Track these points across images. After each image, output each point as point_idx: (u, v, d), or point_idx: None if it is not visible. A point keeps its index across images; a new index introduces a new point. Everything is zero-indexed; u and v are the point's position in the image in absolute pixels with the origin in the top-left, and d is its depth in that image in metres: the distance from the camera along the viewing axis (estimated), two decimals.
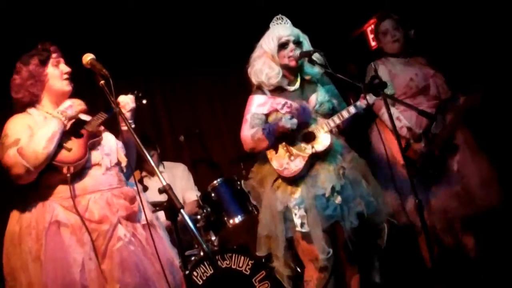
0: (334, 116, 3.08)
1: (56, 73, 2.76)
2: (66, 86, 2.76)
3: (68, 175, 2.55)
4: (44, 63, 2.75)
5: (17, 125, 2.67)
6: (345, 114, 3.06)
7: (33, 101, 2.76)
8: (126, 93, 2.85)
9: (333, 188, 3.01)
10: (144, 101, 2.94)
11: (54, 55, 2.77)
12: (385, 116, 3.62)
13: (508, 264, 3.56)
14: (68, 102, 2.70)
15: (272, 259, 3.12)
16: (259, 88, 3.22)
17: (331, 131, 3.07)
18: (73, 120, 2.72)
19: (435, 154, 3.57)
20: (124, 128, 2.75)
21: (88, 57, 2.60)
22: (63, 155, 2.59)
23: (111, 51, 4.04)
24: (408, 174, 2.85)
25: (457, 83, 3.79)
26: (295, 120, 3.00)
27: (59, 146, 2.59)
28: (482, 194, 3.49)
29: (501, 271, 3.53)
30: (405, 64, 3.79)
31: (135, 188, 2.76)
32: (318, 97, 3.16)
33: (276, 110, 3.13)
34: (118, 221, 2.59)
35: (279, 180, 3.09)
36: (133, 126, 2.75)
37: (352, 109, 3.05)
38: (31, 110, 2.75)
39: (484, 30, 4.01)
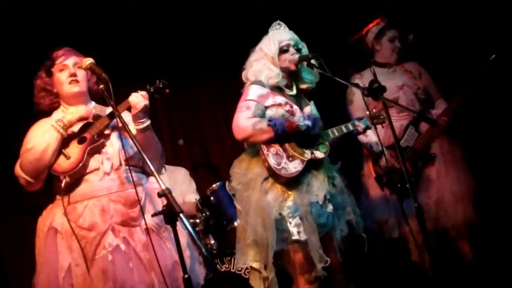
0: (333, 128, 3.13)
1: (62, 78, 2.79)
2: (73, 88, 2.79)
3: (62, 184, 2.60)
4: (49, 73, 2.83)
5: (34, 133, 2.77)
6: (344, 128, 3.13)
7: (55, 107, 2.85)
8: (141, 89, 2.81)
9: (324, 196, 3.02)
10: (167, 91, 2.86)
11: (58, 60, 2.80)
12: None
13: (506, 268, 3.56)
14: (71, 109, 2.73)
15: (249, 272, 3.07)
16: (259, 81, 3.14)
17: (329, 141, 3.10)
18: (80, 124, 2.73)
19: (402, 168, 3.56)
20: (137, 127, 2.73)
21: (87, 62, 2.62)
22: (61, 163, 2.65)
23: (111, 55, 4.05)
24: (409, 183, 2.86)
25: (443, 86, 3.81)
26: (308, 122, 3.00)
27: (60, 153, 2.62)
28: (453, 209, 3.51)
29: (499, 275, 3.53)
30: (384, 76, 3.76)
31: (148, 186, 2.77)
32: (312, 110, 3.17)
33: (279, 105, 3.08)
34: (109, 228, 2.61)
35: (270, 180, 3.01)
36: (148, 122, 2.75)
37: (350, 126, 3.15)
38: (55, 113, 2.83)
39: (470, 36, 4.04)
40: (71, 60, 2.80)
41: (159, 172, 2.91)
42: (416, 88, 3.74)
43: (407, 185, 3.30)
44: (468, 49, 4.04)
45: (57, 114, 2.81)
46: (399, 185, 3.53)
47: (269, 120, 2.96)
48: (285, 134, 2.97)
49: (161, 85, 2.83)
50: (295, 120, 2.97)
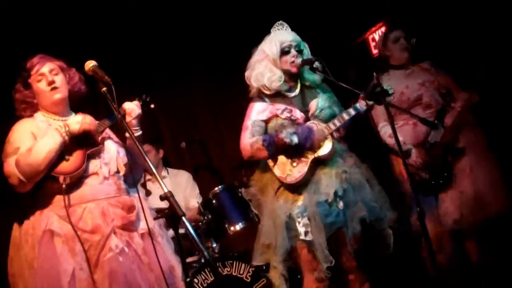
0: (334, 119, 3.06)
1: (41, 88, 2.74)
2: (55, 96, 2.74)
3: (64, 185, 2.57)
4: (26, 85, 2.77)
5: (20, 131, 2.69)
6: (345, 116, 3.04)
7: (36, 111, 2.80)
8: (132, 99, 2.86)
9: (335, 193, 2.97)
10: (152, 106, 2.93)
11: (34, 70, 2.75)
12: (382, 132, 3.71)
13: (509, 269, 3.54)
14: (77, 118, 2.68)
15: (269, 269, 3.07)
16: (259, 96, 3.20)
17: (332, 135, 3.05)
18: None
19: (435, 164, 3.57)
20: (128, 135, 2.76)
21: (90, 64, 2.60)
22: (61, 165, 2.60)
23: (112, 57, 4.05)
24: (411, 186, 2.85)
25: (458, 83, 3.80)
26: (295, 138, 2.96)
27: (58, 156, 2.60)
28: (491, 199, 3.48)
29: (502, 276, 3.52)
30: (403, 76, 3.79)
31: (136, 195, 2.75)
32: (319, 103, 3.13)
33: (276, 116, 3.10)
34: (112, 231, 2.59)
35: (282, 188, 3.06)
36: (139, 133, 2.80)
37: (351, 111, 3.04)
38: (37, 114, 2.78)
39: (482, 33, 4.02)
40: (46, 68, 2.75)
41: (138, 183, 2.93)
42: (437, 83, 3.74)
43: (440, 181, 3.51)
44: (471, 48, 4.03)
45: (39, 116, 2.78)
46: (433, 182, 3.53)
47: (263, 140, 3.02)
48: (280, 149, 3.01)
49: (147, 100, 2.93)
50: (283, 136, 2.96)
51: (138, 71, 4.63)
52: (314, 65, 3.07)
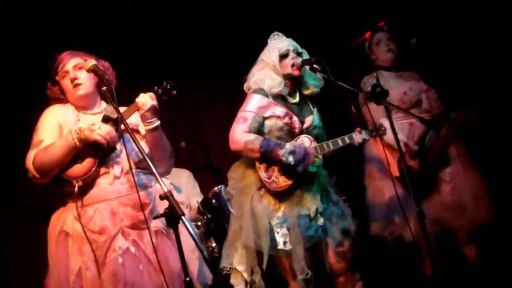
0: (328, 141, 3.09)
1: (67, 86, 2.81)
2: (78, 92, 2.80)
3: (75, 189, 2.62)
4: (54, 82, 2.86)
5: (48, 121, 2.77)
6: (340, 142, 3.08)
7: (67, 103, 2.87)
8: (148, 90, 2.80)
9: (317, 210, 3.04)
10: (174, 92, 2.84)
11: (59, 68, 2.81)
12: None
13: (509, 273, 3.55)
14: (95, 126, 2.65)
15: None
16: (261, 89, 3.16)
17: (322, 155, 3.08)
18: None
19: (428, 169, 3.57)
20: (146, 127, 2.76)
21: (90, 63, 2.63)
22: (73, 168, 2.66)
23: (114, 55, 4.03)
24: (409, 186, 2.84)
25: (451, 97, 3.80)
26: (291, 158, 2.96)
27: (72, 159, 2.65)
28: (474, 208, 3.49)
29: (502, 281, 3.52)
30: (397, 78, 3.80)
31: (165, 189, 2.75)
32: (315, 120, 3.19)
33: (278, 117, 3.10)
34: (119, 231, 2.63)
35: (263, 190, 3.07)
36: (157, 123, 2.78)
37: (346, 139, 3.09)
38: (69, 105, 2.84)
39: (478, 45, 4.03)
40: (70, 64, 2.80)
41: (168, 173, 2.92)
42: (435, 91, 3.75)
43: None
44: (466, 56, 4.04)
45: (71, 107, 2.83)
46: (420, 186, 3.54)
47: (260, 146, 2.98)
48: (272, 161, 3.02)
49: (168, 87, 2.82)
50: (281, 154, 2.96)
51: (140, 69, 4.63)
52: (314, 65, 3.08)
